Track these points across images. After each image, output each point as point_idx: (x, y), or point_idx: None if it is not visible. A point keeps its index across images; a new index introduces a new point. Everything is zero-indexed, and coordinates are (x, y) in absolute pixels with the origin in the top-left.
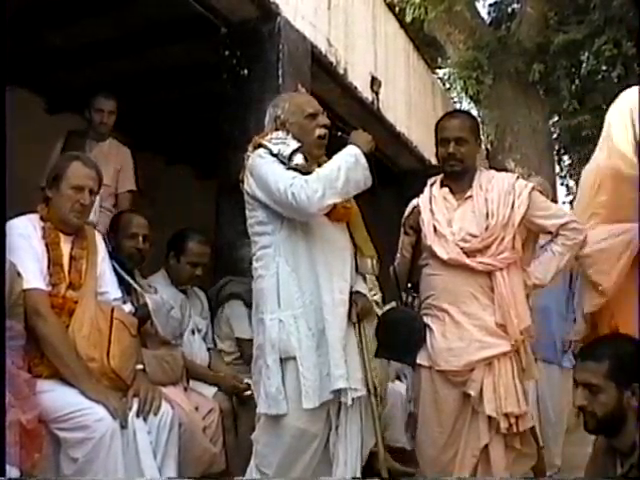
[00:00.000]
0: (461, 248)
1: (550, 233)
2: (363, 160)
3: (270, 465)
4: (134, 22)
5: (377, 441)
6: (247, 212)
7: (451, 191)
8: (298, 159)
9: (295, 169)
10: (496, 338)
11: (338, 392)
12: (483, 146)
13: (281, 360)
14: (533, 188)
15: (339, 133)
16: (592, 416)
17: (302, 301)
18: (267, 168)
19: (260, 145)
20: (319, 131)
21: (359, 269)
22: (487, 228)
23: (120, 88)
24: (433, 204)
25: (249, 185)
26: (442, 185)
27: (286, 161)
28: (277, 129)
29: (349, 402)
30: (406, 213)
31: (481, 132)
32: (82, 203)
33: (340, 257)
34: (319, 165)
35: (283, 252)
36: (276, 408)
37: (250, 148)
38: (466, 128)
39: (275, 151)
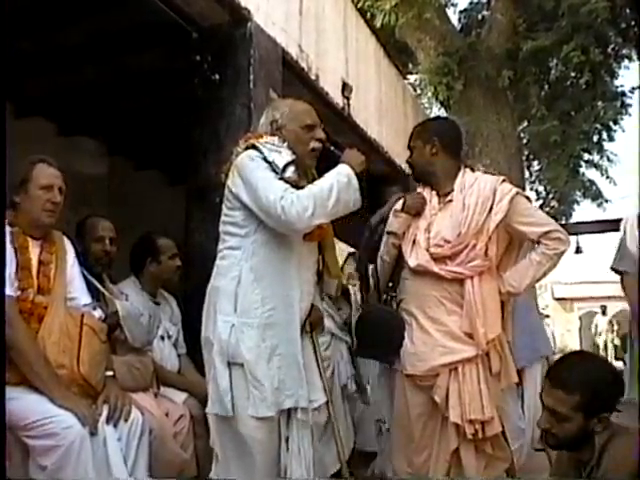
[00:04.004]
0: (431, 254)
1: (532, 241)
2: (355, 181)
3: (228, 471)
4: (104, 28)
5: (337, 447)
6: (224, 209)
7: (437, 193)
8: (290, 172)
9: (286, 181)
10: (460, 344)
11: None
12: None
13: (228, 363)
14: (517, 193)
15: (332, 148)
16: (553, 436)
17: (261, 312)
18: (258, 174)
19: (253, 146)
20: (313, 144)
21: (324, 289)
22: (459, 235)
23: (91, 94)
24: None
25: (234, 184)
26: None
27: (279, 171)
28: (273, 133)
29: (310, 421)
30: (403, 201)
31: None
32: (53, 201)
33: (308, 276)
34: (307, 178)
35: (251, 259)
36: (221, 409)
37: (241, 145)
38: (414, 136)
39: (269, 158)
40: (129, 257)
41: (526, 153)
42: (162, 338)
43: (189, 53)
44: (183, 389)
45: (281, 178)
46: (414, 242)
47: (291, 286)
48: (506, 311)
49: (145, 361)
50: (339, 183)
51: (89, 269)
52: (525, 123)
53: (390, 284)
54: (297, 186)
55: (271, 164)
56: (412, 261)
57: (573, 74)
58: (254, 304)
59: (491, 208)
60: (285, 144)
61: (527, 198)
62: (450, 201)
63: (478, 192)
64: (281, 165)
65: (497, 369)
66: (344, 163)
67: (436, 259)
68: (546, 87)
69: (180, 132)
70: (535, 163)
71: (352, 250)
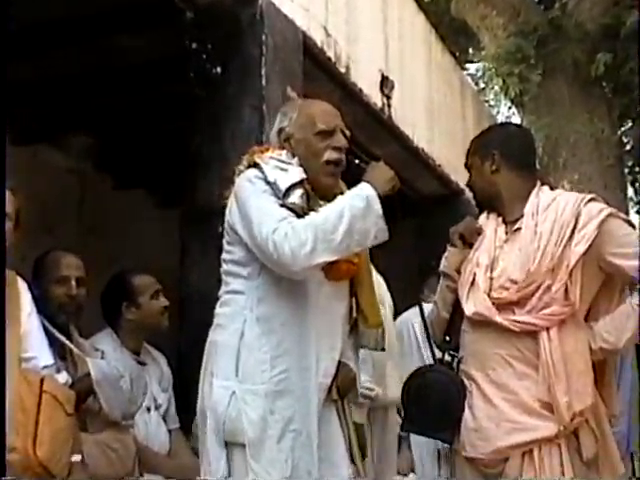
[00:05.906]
0: (493, 299)
1: (634, 279)
2: (377, 206)
3: None
4: (76, 8)
5: None
6: (224, 243)
7: (504, 220)
8: (295, 197)
9: (289, 209)
10: (535, 418)
11: None
12: None
13: (226, 443)
14: (610, 214)
15: (357, 161)
16: None
17: (269, 376)
18: (254, 200)
19: (255, 164)
20: (329, 155)
21: (361, 342)
22: (528, 273)
23: (55, 90)
24: (479, 241)
25: (231, 213)
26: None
27: (280, 196)
28: (282, 145)
29: None
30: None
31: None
32: None
33: (332, 328)
34: (329, 201)
35: (257, 307)
36: None
37: (244, 163)
38: (470, 152)
39: (271, 179)
40: (100, 304)
41: (629, 164)
42: (148, 409)
43: (182, 39)
44: (175, 476)
45: (283, 205)
46: (472, 284)
47: (306, 341)
48: (607, 372)
49: (125, 440)
50: (353, 208)
51: (51, 319)
52: (629, 123)
53: (448, 338)
54: (306, 215)
55: (272, 185)
56: (469, 308)
57: None
58: (261, 365)
59: (571, 236)
60: (295, 159)
61: (628, 222)
62: (519, 229)
63: (555, 215)
64: (283, 187)
65: (591, 454)
66: (365, 181)
67: (499, 306)
68: None
69: (172, 141)
70: None
71: None
